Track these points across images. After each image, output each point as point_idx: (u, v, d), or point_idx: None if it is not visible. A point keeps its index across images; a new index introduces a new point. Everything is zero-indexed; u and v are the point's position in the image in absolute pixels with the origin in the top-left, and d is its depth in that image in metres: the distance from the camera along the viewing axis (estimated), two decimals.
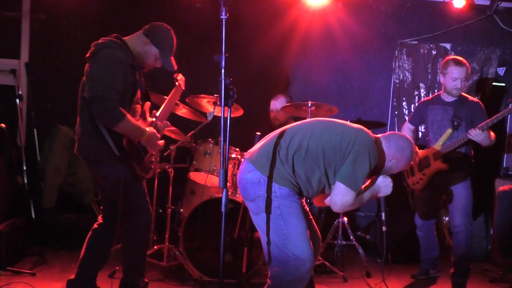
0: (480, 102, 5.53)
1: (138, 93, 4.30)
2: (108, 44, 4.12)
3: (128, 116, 4.03)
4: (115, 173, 4.16)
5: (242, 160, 3.93)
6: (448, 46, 7.32)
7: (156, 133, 4.36)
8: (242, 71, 7.05)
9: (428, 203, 5.78)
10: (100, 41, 4.17)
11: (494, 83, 7.27)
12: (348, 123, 3.91)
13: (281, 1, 7.27)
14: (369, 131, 3.85)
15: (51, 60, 7.02)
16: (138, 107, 4.36)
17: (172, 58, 4.41)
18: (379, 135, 3.94)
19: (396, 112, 7.35)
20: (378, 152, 3.78)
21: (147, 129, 4.26)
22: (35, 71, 6.68)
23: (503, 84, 7.42)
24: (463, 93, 5.52)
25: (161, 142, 4.47)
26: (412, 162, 4.07)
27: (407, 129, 5.93)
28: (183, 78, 5.06)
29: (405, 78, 7.36)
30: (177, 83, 4.98)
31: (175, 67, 4.44)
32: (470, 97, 5.58)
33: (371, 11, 7.48)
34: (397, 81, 7.39)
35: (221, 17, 3.31)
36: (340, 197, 3.67)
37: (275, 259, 3.68)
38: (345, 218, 6.22)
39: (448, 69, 5.41)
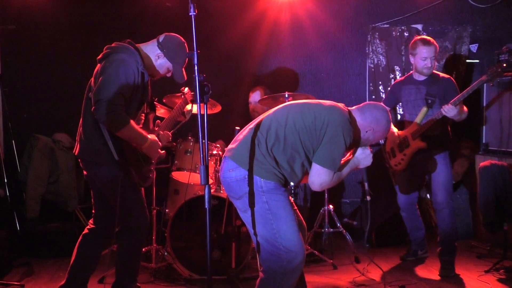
0: (451, 78, 5.60)
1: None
2: (121, 49, 4.16)
3: (132, 122, 4.04)
4: (113, 175, 4.15)
5: (223, 158, 3.89)
6: (419, 26, 7.33)
7: (157, 142, 4.38)
8: (216, 66, 7.06)
9: (410, 183, 5.84)
10: (113, 44, 4.20)
11: (467, 61, 7.29)
12: (321, 102, 3.89)
13: None
14: (342, 106, 3.83)
15: (24, 70, 6.97)
16: (143, 115, 4.38)
17: (183, 70, 4.41)
18: (353, 108, 3.93)
19: (374, 97, 7.34)
20: (353, 126, 3.77)
21: (149, 136, 4.26)
22: (8, 83, 6.61)
23: (477, 61, 7.45)
24: (434, 71, 5.59)
25: (162, 152, 4.47)
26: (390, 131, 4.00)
27: None
28: (190, 91, 5.02)
29: (379, 62, 7.37)
30: (183, 96, 4.97)
31: (185, 78, 4.41)
32: (441, 74, 5.64)
33: None
34: (372, 65, 7.40)
35: (190, 14, 3.30)
36: (317, 177, 3.70)
37: (267, 253, 3.67)
38: (331, 206, 6.21)
39: (417, 49, 5.48)
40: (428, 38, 5.53)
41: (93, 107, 3.98)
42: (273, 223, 3.63)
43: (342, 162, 3.80)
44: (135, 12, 7.02)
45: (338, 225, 6.20)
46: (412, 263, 5.94)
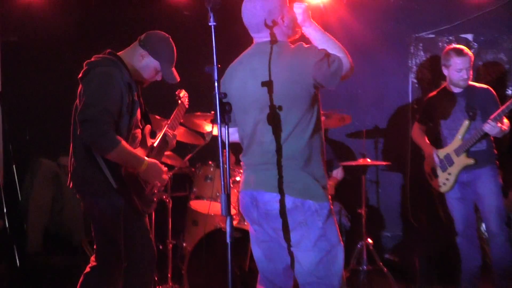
0: (490, 88, 5.43)
1: (138, 115, 4.00)
2: (101, 62, 3.86)
3: (123, 142, 3.72)
4: (113, 207, 3.86)
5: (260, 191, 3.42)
6: (469, 37, 6.92)
7: (158, 164, 4.05)
8: None
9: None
10: (92, 59, 3.93)
11: None
12: None
13: None
14: None
15: (27, 87, 6.82)
16: (138, 131, 4.08)
17: (174, 69, 4.15)
18: None
19: (418, 116, 6.84)
20: None
21: (147, 159, 3.93)
22: (9, 101, 6.26)
23: None
24: (470, 82, 5.40)
25: (168, 174, 4.20)
26: None
27: (418, 130, 5.86)
28: (186, 94, 4.71)
29: (424, 76, 7.03)
30: (179, 101, 4.61)
31: (178, 79, 4.16)
32: (478, 85, 5.49)
33: (378, 5, 7.06)
34: (415, 80, 7.06)
35: (210, 24, 3.00)
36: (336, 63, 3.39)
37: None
38: (370, 240, 5.85)
39: (450, 60, 5.34)
40: (462, 47, 5.39)
41: (78, 130, 3.70)
42: (328, 251, 3.27)
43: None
44: (149, 22, 6.67)
45: (378, 262, 5.80)
46: None
